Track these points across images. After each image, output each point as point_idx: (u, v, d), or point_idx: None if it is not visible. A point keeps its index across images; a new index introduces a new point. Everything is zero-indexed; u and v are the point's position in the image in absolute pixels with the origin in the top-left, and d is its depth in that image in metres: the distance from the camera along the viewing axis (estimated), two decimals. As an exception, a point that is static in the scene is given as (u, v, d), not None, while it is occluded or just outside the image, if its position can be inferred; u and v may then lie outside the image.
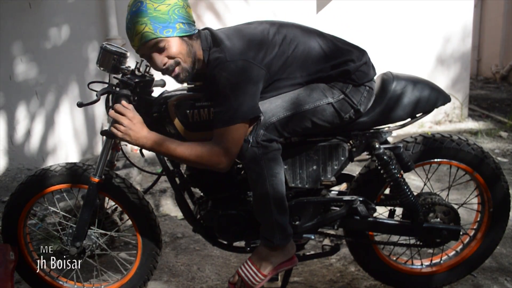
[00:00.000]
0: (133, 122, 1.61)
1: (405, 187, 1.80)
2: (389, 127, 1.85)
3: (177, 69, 1.62)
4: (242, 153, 1.64)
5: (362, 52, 1.77)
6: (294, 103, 1.66)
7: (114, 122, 1.63)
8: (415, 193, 1.87)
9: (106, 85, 1.75)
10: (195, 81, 1.75)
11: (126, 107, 1.63)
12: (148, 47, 1.57)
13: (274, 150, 1.64)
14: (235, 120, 1.56)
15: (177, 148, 1.61)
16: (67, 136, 3.93)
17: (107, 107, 1.77)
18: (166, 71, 1.62)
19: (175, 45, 1.58)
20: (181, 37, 1.59)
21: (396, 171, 1.78)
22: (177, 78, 1.65)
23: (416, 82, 1.82)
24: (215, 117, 1.60)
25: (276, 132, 1.65)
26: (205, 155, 1.59)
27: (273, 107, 1.65)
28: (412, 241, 1.97)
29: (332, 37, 1.77)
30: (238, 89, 1.55)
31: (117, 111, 1.62)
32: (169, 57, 1.59)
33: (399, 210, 1.92)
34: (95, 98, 1.68)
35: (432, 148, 1.85)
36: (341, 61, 1.70)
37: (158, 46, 1.57)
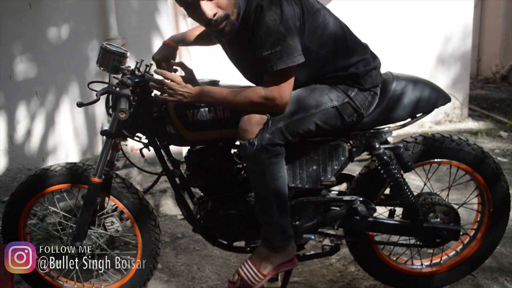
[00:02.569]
0: (178, 81, 1.60)
1: (405, 187, 1.80)
2: (389, 127, 1.85)
3: (224, 22, 1.54)
4: (246, 156, 1.63)
5: (374, 57, 1.78)
6: (301, 107, 1.65)
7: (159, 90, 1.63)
8: (415, 193, 1.86)
9: (106, 85, 1.75)
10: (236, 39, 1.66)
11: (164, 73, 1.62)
12: None
13: (278, 154, 1.63)
14: (294, 58, 1.52)
15: (228, 99, 1.61)
16: (67, 136, 3.93)
17: (107, 107, 1.77)
18: (212, 22, 1.52)
19: None
20: None
21: (396, 171, 1.78)
22: (222, 31, 1.56)
23: (416, 82, 1.82)
24: (269, 58, 1.51)
25: (282, 136, 1.64)
26: (265, 106, 1.59)
27: None
28: (412, 241, 1.97)
29: (354, 34, 1.77)
30: (290, 26, 1.51)
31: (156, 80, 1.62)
32: (219, 8, 1.51)
33: (399, 210, 1.92)
34: (95, 98, 1.68)
35: (432, 148, 1.85)
36: (355, 61, 1.70)
37: None
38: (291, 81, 1.59)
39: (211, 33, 1.62)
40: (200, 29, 1.95)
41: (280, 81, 1.56)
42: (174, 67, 1.83)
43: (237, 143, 1.80)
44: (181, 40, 1.95)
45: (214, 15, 1.51)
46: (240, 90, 1.62)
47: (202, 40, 1.97)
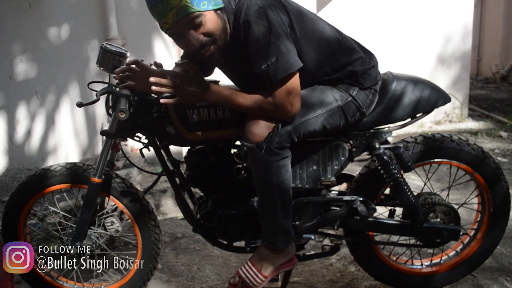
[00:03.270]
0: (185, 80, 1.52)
1: (405, 187, 1.80)
2: (389, 127, 1.85)
3: (212, 48, 1.53)
4: (253, 159, 1.63)
5: (370, 55, 1.77)
6: (308, 108, 1.65)
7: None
8: (415, 193, 1.86)
9: (106, 85, 1.75)
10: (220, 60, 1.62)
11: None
12: (183, 23, 1.47)
13: (285, 157, 1.63)
14: (292, 65, 1.51)
15: (239, 104, 1.58)
16: (67, 136, 3.93)
17: (107, 107, 1.77)
18: (200, 50, 1.52)
19: (211, 20, 1.49)
20: (215, 10, 1.51)
21: (396, 171, 1.78)
22: (210, 58, 1.56)
23: (416, 82, 1.82)
24: (266, 71, 1.50)
25: (289, 138, 1.63)
26: (270, 111, 1.57)
27: None
28: (412, 241, 1.97)
29: (345, 34, 1.76)
30: (281, 35, 1.49)
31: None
32: (205, 34, 1.50)
33: (399, 210, 1.92)
34: (95, 98, 1.68)
35: (432, 148, 1.85)
36: (351, 60, 1.70)
37: (194, 22, 1.47)
38: (297, 88, 1.57)
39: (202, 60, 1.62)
40: None
41: (286, 89, 1.54)
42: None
43: (238, 143, 1.80)
44: None
45: (201, 41, 1.50)
46: (253, 96, 1.59)
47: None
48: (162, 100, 1.56)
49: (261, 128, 1.59)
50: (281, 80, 1.52)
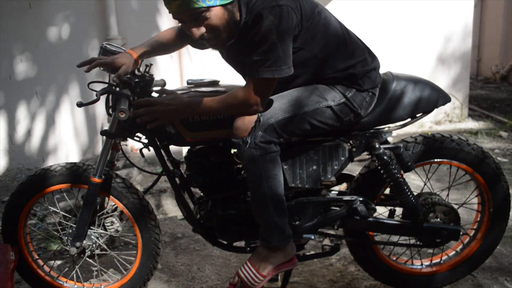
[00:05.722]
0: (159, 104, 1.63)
1: (405, 187, 1.80)
2: (389, 127, 1.85)
3: (213, 40, 1.56)
4: (240, 154, 1.63)
5: (373, 57, 1.77)
6: (293, 105, 1.65)
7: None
8: (415, 193, 1.86)
9: (106, 85, 1.75)
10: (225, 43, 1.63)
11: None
12: (187, 15, 1.47)
13: (272, 152, 1.63)
14: (282, 71, 1.53)
15: (209, 106, 1.63)
16: (67, 136, 3.93)
17: (107, 107, 1.77)
18: (200, 40, 1.54)
19: (217, 16, 1.49)
20: (224, 5, 1.49)
21: (396, 171, 1.78)
22: (210, 43, 1.58)
23: (416, 82, 1.82)
24: (257, 63, 1.52)
25: (275, 133, 1.64)
26: (240, 108, 1.61)
27: (272, 108, 1.64)
28: (412, 241, 1.97)
29: (353, 35, 1.77)
30: (285, 38, 1.50)
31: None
32: (209, 29, 1.51)
33: (399, 210, 1.92)
34: (95, 98, 1.68)
35: (432, 148, 1.85)
36: (353, 62, 1.69)
37: (198, 16, 1.47)
38: (270, 91, 1.60)
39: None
40: (169, 33, 1.88)
41: (261, 89, 1.57)
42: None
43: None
44: (145, 53, 1.82)
45: (202, 35, 1.52)
46: (219, 96, 1.63)
47: (175, 45, 1.90)
48: (148, 126, 1.68)
49: (245, 124, 1.61)
50: (263, 79, 1.54)
